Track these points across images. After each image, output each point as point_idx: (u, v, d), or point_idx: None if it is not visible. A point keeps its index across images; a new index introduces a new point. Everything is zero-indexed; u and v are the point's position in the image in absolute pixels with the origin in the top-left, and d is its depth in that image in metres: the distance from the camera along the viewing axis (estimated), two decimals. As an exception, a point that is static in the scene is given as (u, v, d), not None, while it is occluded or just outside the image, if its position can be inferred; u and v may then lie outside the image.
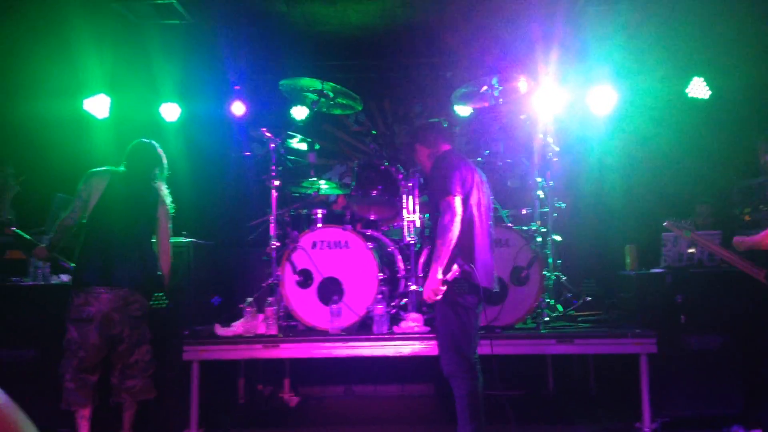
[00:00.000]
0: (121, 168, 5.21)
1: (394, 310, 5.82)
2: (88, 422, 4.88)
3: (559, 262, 6.15)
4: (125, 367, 5.00)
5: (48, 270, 5.84)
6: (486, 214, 4.74)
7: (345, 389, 7.01)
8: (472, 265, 4.48)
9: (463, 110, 7.93)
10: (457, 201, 4.45)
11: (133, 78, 7.76)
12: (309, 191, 6.49)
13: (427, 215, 5.84)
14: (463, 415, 4.42)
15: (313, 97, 6.15)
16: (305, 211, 6.32)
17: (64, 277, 5.80)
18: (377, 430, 5.90)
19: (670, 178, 7.48)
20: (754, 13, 6.72)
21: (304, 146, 6.38)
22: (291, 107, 7.97)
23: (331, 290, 5.69)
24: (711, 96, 7.36)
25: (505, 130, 6.29)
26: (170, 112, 7.87)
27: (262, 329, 5.56)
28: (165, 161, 5.38)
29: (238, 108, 7.78)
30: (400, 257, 5.97)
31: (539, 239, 5.86)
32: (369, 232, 6.12)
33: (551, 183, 6.03)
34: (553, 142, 6.06)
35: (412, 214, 5.83)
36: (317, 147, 6.49)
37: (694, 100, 7.42)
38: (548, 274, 5.90)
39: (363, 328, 5.69)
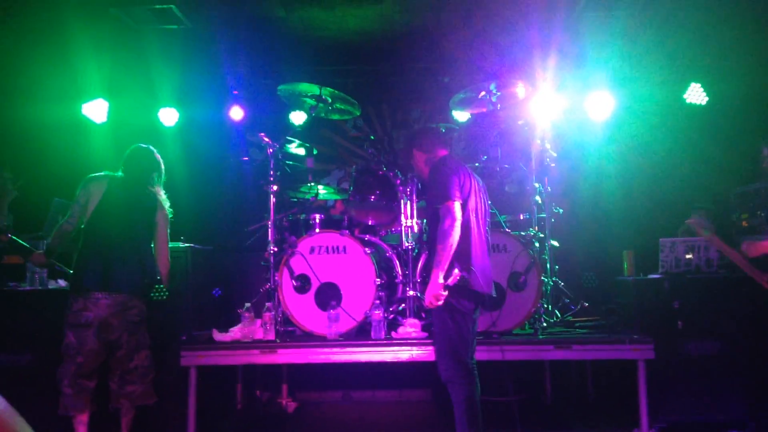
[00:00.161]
0: (119, 173, 5.21)
1: (392, 316, 5.82)
2: (85, 428, 4.87)
3: (556, 267, 6.16)
4: (124, 373, 4.99)
5: (45, 275, 5.83)
6: (483, 219, 4.75)
7: (343, 395, 7.00)
8: (470, 270, 4.48)
9: (461, 116, 7.94)
10: (457, 206, 4.46)
11: (131, 83, 7.76)
12: (307, 196, 6.49)
13: (425, 220, 5.84)
14: (461, 420, 4.42)
15: (312, 102, 6.16)
16: (303, 216, 6.33)
17: (62, 283, 5.79)
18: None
19: (668, 184, 7.49)
20: (751, 20, 6.74)
21: (302, 151, 6.38)
22: (289, 112, 7.97)
23: (329, 295, 5.69)
24: (708, 102, 7.38)
25: (502, 135, 6.29)
26: (168, 116, 7.88)
27: (259, 334, 5.55)
28: (163, 166, 5.38)
29: (236, 113, 7.79)
30: (398, 262, 5.97)
31: (537, 245, 5.86)
32: (367, 237, 6.12)
33: (549, 188, 6.04)
34: (551, 148, 6.07)
35: (410, 219, 5.83)
36: (315, 152, 6.50)
37: (692, 106, 7.44)
38: (546, 279, 5.91)
39: (361, 334, 5.68)
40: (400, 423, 6.23)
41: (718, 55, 7.18)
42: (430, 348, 5.17)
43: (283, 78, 7.05)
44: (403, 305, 5.83)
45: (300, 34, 7.51)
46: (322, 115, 6.36)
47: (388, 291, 5.89)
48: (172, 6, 6.66)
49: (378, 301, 5.60)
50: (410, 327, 5.51)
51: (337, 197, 6.76)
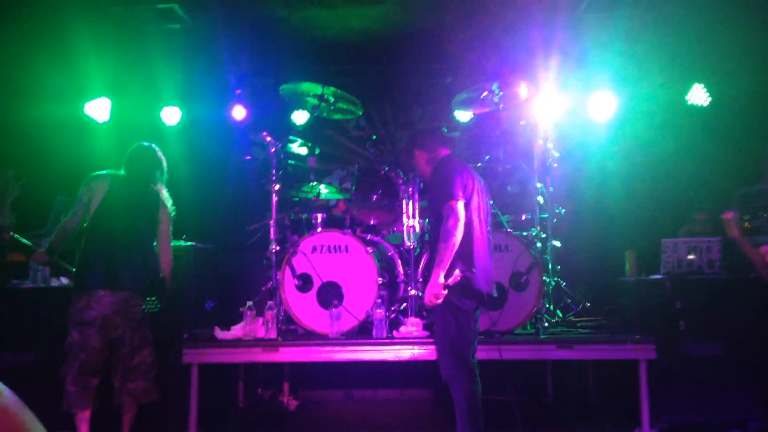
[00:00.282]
0: (122, 172, 5.22)
1: (393, 315, 5.83)
2: (88, 425, 4.87)
3: (558, 267, 6.16)
4: (127, 370, 5.00)
5: (48, 273, 5.84)
6: (485, 219, 4.76)
7: (344, 393, 7.01)
8: (472, 270, 4.49)
9: (463, 116, 7.95)
10: (459, 206, 4.47)
11: (134, 82, 7.77)
12: (309, 195, 6.50)
13: (427, 220, 5.85)
14: (463, 419, 4.43)
15: (314, 101, 6.17)
16: (305, 215, 6.33)
17: (65, 280, 5.80)
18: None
19: (670, 185, 7.49)
20: (754, 21, 6.74)
21: (304, 150, 6.39)
22: (292, 112, 7.98)
23: (330, 294, 5.69)
24: (711, 103, 7.38)
25: (505, 135, 6.31)
26: (171, 115, 7.88)
27: (261, 333, 5.56)
28: (165, 164, 5.38)
29: (238, 112, 7.79)
30: (399, 262, 5.97)
31: (539, 245, 5.87)
32: (369, 237, 6.13)
33: (551, 189, 6.05)
34: (553, 148, 6.07)
35: (412, 218, 5.83)
36: (317, 151, 6.50)
37: (694, 107, 7.44)
38: (548, 279, 5.91)
39: (363, 333, 5.69)
40: (402, 422, 6.23)
41: (720, 56, 7.17)
42: (432, 347, 5.17)
43: (286, 77, 7.04)
44: (405, 304, 5.83)
45: (302, 33, 7.51)
46: (325, 114, 6.37)
47: (390, 290, 5.90)
48: (174, 5, 6.67)
49: (380, 300, 5.60)
50: (412, 326, 5.52)
51: (339, 197, 6.75)
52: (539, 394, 6.76)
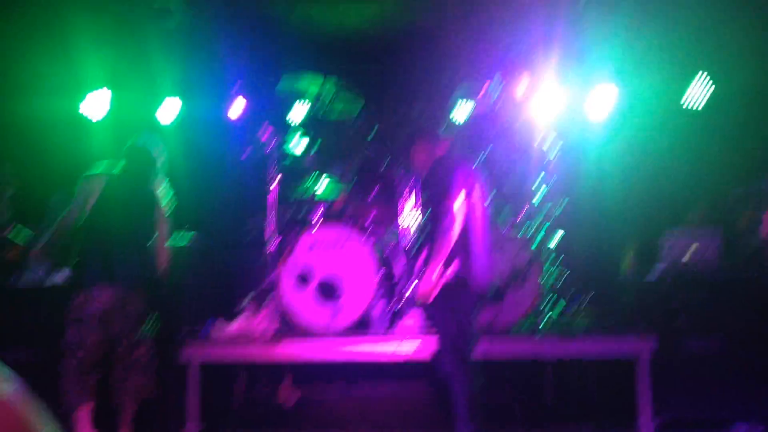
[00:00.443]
0: (118, 169, 5.21)
1: (392, 310, 5.82)
2: (87, 422, 4.87)
3: (557, 264, 6.15)
4: (125, 367, 4.99)
5: (44, 272, 5.83)
6: (484, 215, 4.75)
7: (343, 389, 6.97)
8: (469, 267, 4.49)
9: (462, 112, 7.92)
10: (456, 203, 4.46)
11: (132, 78, 7.73)
12: (307, 192, 6.49)
13: (425, 216, 5.83)
14: (462, 415, 4.42)
15: (313, 97, 6.16)
16: (304, 211, 6.32)
17: (61, 278, 5.79)
18: (375, 429, 5.89)
19: (668, 183, 7.46)
20: (754, 19, 6.72)
21: (302, 147, 6.38)
22: (290, 108, 7.95)
23: (329, 290, 5.69)
24: (709, 100, 7.33)
25: (503, 132, 6.30)
26: (169, 111, 7.83)
27: (260, 329, 5.56)
28: (161, 161, 5.36)
29: (237, 108, 7.75)
30: (398, 257, 5.97)
31: (537, 241, 5.86)
32: (367, 232, 6.12)
33: (549, 186, 6.04)
34: (552, 145, 6.06)
35: (410, 215, 5.83)
36: (316, 148, 6.49)
37: (690, 111, 7.38)
38: (546, 275, 5.90)
39: (361, 329, 5.68)
40: (401, 417, 6.21)
41: (720, 53, 7.15)
42: (431, 343, 5.16)
43: (285, 74, 7.03)
44: (404, 300, 5.83)
45: (302, 30, 7.49)
46: (323, 111, 6.36)
47: (389, 286, 5.89)
48: (173, 1, 6.65)
49: (378, 296, 5.60)
50: (410, 322, 5.52)
51: (338, 192, 6.74)
52: (538, 391, 6.73)
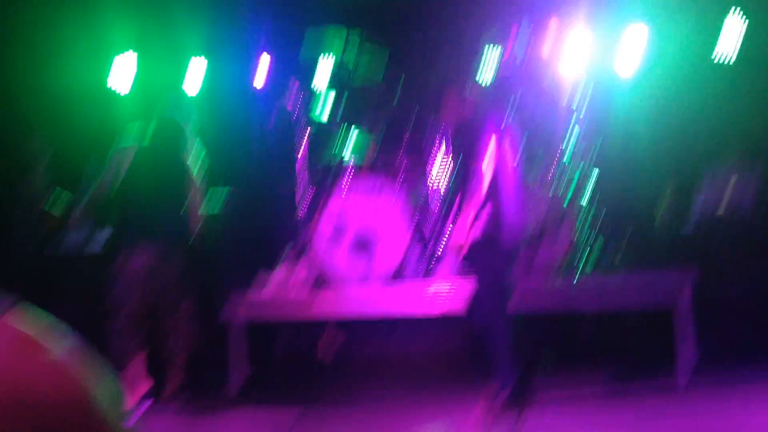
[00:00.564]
0: (147, 141, 5.29)
1: (426, 265, 5.83)
2: (139, 372, 5.01)
3: (588, 219, 6.08)
4: (170, 321, 5.14)
5: (84, 237, 5.94)
6: (515, 167, 4.72)
7: (378, 346, 7.05)
8: (499, 225, 4.48)
9: (490, 61, 7.80)
10: (484, 162, 4.44)
11: (157, 40, 7.70)
12: (338, 146, 6.47)
13: (456, 167, 5.81)
14: (500, 366, 4.45)
15: (339, 51, 6.10)
16: (335, 165, 6.31)
17: (100, 243, 5.90)
18: (410, 385, 5.95)
19: (705, 124, 7.28)
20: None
21: (330, 102, 6.36)
22: (316, 63, 7.89)
23: (363, 246, 5.72)
24: (744, 42, 7.07)
25: (532, 83, 6.21)
26: (195, 75, 7.78)
27: (297, 286, 5.62)
28: (190, 131, 5.42)
29: (263, 66, 7.70)
30: (429, 215, 5.96)
31: (567, 198, 5.81)
32: (399, 188, 6.10)
33: (580, 137, 5.95)
34: (582, 94, 5.95)
35: (441, 164, 5.80)
36: (344, 102, 6.46)
37: (721, 65, 7.15)
38: (577, 231, 5.85)
39: (394, 284, 5.71)
40: (435, 373, 6.26)
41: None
42: (466, 295, 5.18)
43: (309, 29, 6.95)
44: (437, 255, 5.84)
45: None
46: (350, 64, 6.30)
47: (422, 240, 5.90)
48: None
49: (412, 251, 5.62)
50: (445, 276, 5.53)
51: (368, 146, 6.72)
52: (573, 341, 6.72)
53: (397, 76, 8.31)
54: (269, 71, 7.69)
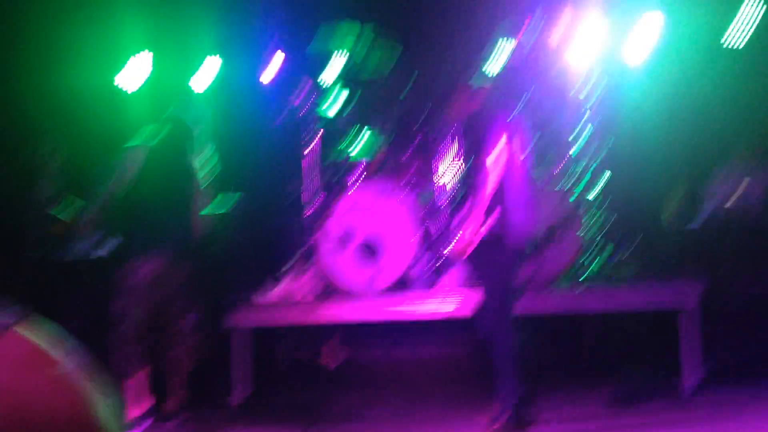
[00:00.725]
0: (156, 141, 5.27)
1: (431, 270, 5.82)
2: (140, 386, 5.00)
3: (597, 216, 6.06)
4: (173, 334, 5.12)
5: (91, 243, 5.94)
6: (523, 167, 4.70)
7: (384, 351, 7.04)
8: (507, 222, 4.46)
9: (500, 58, 7.76)
10: (494, 156, 4.42)
11: (169, 40, 7.69)
12: (346, 150, 6.46)
13: (465, 169, 5.79)
14: (502, 373, 4.42)
15: (350, 49, 6.09)
16: (343, 170, 6.31)
17: (108, 250, 5.90)
18: (415, 390, 5.94)
19: (716, 122, 7.22)
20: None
21: (340, 102, 6.34)
22: (327, 62, 7.87)
23: (368, 251, 5.71)
24: (756, 34, 6.97)
25: (543, 79, 6.18)
26: (206, 74, 7.77)
27: (301, 293, 5.62)
28: (197, 132, 5.41)
29: (275, 65, 7.68)
30: (437, 216, 5.95)
31: (576, 194, 5.78)
32: (406, 189, 6.09)
33: (590, 132, 5.92)
34: (592, 88, 5.92)
35: (447, 172, 5.79)
36: (354, 102, 6.45)
37: (733, 50, 7.09)
38: (586, 229, 5.83)
39: (401, 289, 5.70)
40: (441, 377, 6.26)
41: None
42: (471, 301, 5.16)
43: (321, 26, 6.93)
44: (443, 259, 5.82)
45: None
46: (361, 62, 6.27)
47: (428, 245, 5.89)
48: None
49: (418, 256, 5.60)
50: (449, 281, 5.52)
51: (377, 148, 6.71)
52: (579, 345, 6.70)
53: (408, 73, 8.28)
54: (282, 69, 7.67)
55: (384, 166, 6.36)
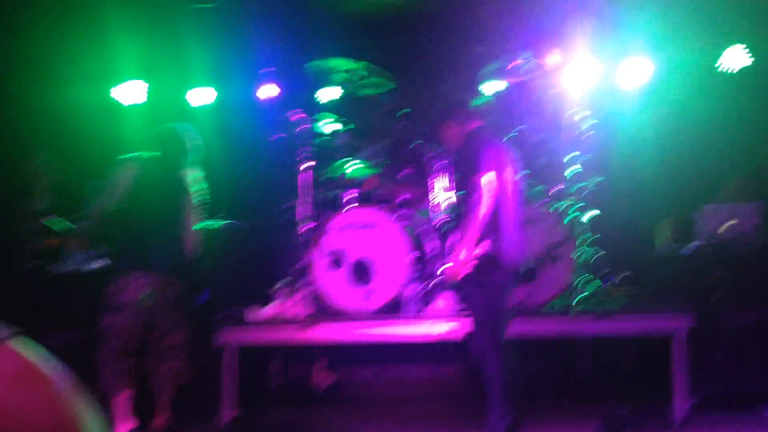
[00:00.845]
0: (150, 154, 5.26)
1: (424, 291, 5.81)
2: (126, 405, 4.96)
3: (592, 239, 6.06)
4: (161, 351, 5.08)
5: (84, 257, 5.93)
6: (517, 191, 4.70)
7: (376, 370, 7.00)
8: (501, 244, 4.46)
9: (494, 86, 7.81)
10: (488, 178, 4.42)
11: (165, 63, 7.77)
12: (339, 173, 6.48)
13: (457, 194, 5.80)
14: (494, 395, 4.41)
15: (344, 76, 6.14)
16: (336, 192, 6.32)
17: (99, 265, 5.88)
18: (408, 410, 5.91)
19: (705, 152, 7.28)
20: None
21: (334, 128, 6.37)
22: (321, 88, 7.93)
23: (362, 271, 5.70)
24: (747, 67, 7.11)
25: (537, 105, 6.22)
26: (201, 96, 7.85)
27: (294, 311, 5.60)
28: (192, 145, 5.39)
29: (268, 90, 7.75)
30: (431, 237, 5.95)
31: (572, 216, 5.79)
32: (399, 213, 6.10)
33: (584, 159, 5.94)
34: (586, 117, 5.96)
35: (442, 193, 5.80)
36: (347, 128, 6.48)
37: (728, 74, 7.17)
38: (581, 251, 5.83)
39: (394, 310, 5.69)
40: (432, 399, 6.23)
41: (756, 17, 6.92)
42: (463, 323, 5.15)
43: (316, 54, 7.01)
44: (437, 280, 5.81)
45: (331, 8, 7.44)
46: (354, 89, 6.33)
47: (421, 266, 5.87)
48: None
49: (411, 277, 5.59)
50: (443, 302, 5.50)
51: (370, 173, 6.73)
52: (571, 369, 6.68)
53: (400, 102, 8.33)
54: (274, 97, 7.73)
55: (378, 187, 6.35)
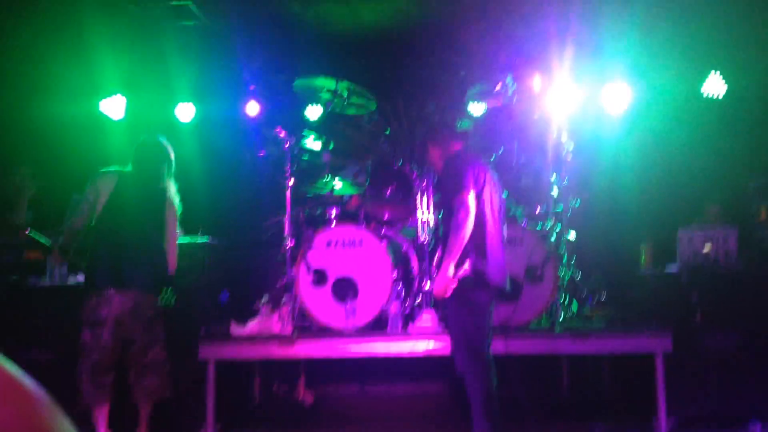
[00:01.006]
0: (129, 168, 5.22)
1: (408, 309, 5.83)
2: (105, 421, 4.91)
3: (573, 260, 6.13)
4: (140, 367, 5.03)
5: (65, 271, 5.88)
6: (499, 212, 4.75)
7: (359, 388, 7.01)
8: (484, 263, 4.49)
9: (476, 109, 7.89)
10: (470, 198, 4.46)
11: (148, 79, 7.80)
12: (323, 191, 6.50)
13: (440, 214, 5.84)
14: (478, 414, 4.42)
15: (328, 96, 6.19)
16: (319, 210, 6.34)
17: (79, 279, 5.84)
18: (391, 428, 5.90)
19: (684, 177, 7.41)
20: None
21: (318, 146, 6.40)
22: (305, 107, 7.95)
23: (345, 289, 5.71)
24: (726, 94, 7.27)
25: (518, 128, 6.28)
26: (185, 112, 7.89)
27: (277, 328, 5.58)
28: (173, 157, 5.37)
29: (252, 108, 7.79)
30: (414, 256, 5.98)
31: (553, 238, 5.84)
32: (383, 231, 6.13)
33: (565, 181, 6.02)
34: (567, 141, 6.03)
35: (426, 212, 5.84)
36: (331, 146, 6.51)
37: (709, 99, 7.34)
38: (563, 272, 5.88)
39: (377, 327, 5.70)
40: (417, 416, 6.23)
41: (736, 47, 7.08)
42: (447, 341, 5.17)
43: (299, 73, 7.05)
44: (420, 298, 5.84)
45: (316, 29, 7.51)
46: (338, 109, 6.38)
47: (405, 284, 5.90)
48: (189, 3, 6.69)
49: (394, 295, 5.61)
50: (426, 320, 5.52)
51: (353, 191, 6.76)
52: (554, 388, 6.73)
53: (384, 122, 8.40)
54: (258, 115, 7.77)
55: (362, 207, 6.38)
